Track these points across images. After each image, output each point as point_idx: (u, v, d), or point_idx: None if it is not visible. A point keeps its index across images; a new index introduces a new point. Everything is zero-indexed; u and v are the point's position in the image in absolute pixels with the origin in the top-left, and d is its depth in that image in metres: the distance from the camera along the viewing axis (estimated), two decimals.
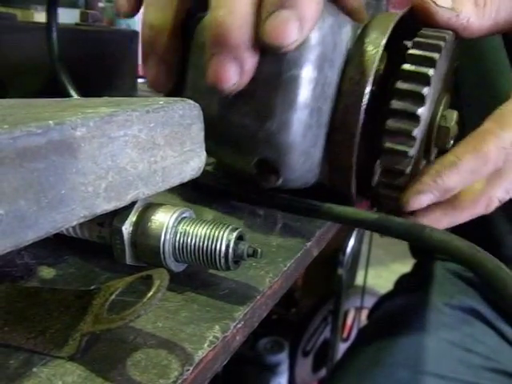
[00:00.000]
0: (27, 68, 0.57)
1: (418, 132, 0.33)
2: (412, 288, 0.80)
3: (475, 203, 0.37)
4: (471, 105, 0.41)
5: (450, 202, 0.37)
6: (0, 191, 0.18)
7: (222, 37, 0.29)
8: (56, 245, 0.29)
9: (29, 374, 0.20)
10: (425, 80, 0.32)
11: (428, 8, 0.35)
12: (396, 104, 0.33)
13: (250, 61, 0.30)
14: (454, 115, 0.38)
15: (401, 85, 0.33)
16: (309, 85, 0.31)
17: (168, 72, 0.35)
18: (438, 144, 0.38)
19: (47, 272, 0.27)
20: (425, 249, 0.29)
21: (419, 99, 0.32)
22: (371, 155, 0.36)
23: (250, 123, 0.32)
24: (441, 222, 0.37)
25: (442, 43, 0.33)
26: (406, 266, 0.93)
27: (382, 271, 1.94)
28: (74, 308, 0.22)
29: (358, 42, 0.34)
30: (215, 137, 0.34)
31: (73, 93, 0.50)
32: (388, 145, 0.33)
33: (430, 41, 0.33)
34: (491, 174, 0.36)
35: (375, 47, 0.33)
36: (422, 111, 0.32)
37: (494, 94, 0.63)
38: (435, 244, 0.28)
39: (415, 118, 0.32)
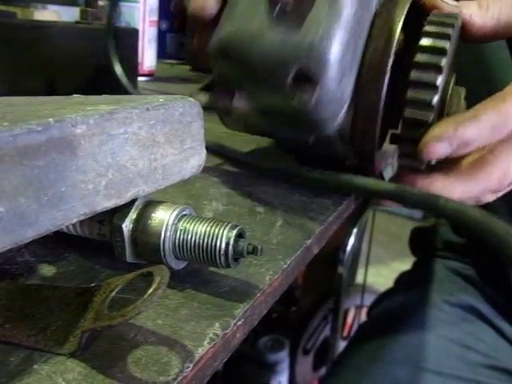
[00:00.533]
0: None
1: (444, 62, 0.35)
2: (411, 286, 0.80)
3: (490, 174, 0.38)
4: (473, 101, 0.41)
5: (465, 169, 0.38)
6: (0, 189, 0.18)
7: None
8: (56, 242, 0.29)
9: (29, 371, 0.20)
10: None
11: (435, 3, 0.38)
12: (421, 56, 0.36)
13: None
14: (463, 90, 0.40)
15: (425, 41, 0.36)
16: (351, 5, 0.34)
17: None
18: (450, 112, 0.39)
19: (47, 270, 0.27)
20: (439, 217, 0.30)
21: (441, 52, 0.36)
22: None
23: (294, 33, 0.34)
24: (455, 189, 0.38)
25: (454, 20, 0.37)
26: (406, 264, 0.93)
27: (382, 269, 1.94)
28: (75, 305, 0.23)
29: (385, 3, 0.37)
30: (250, 60, 0.35)
31: (130, 89, 0.53)
32: (415, 75, 0.36)
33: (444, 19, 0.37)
34: (509, 144, 0.37)
35: (402, 5, 0.37)
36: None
37: (495, 91, 0.63)
38: (450, 213, 0.29)
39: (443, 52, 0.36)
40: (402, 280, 0.88)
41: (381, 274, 1.72)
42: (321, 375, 1.45)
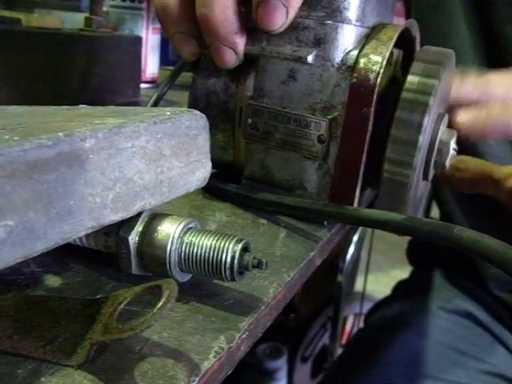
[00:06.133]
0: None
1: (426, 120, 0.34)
2: (409, 293, 0.81)
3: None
4: None
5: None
6: (10, 203, 0.18)
7: None
8: (62, 253, 0.29)
9: None
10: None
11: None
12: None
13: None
14: (453, 135, 0.39)
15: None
16: None
17: (198, 41, 0.37)
18: (437, 163, 0.39)
19: (53, 280, 0.27)
20: (454, 247, 0.28)
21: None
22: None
23: None
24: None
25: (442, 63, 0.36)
26: (405, 272, 0.93)
27: (381, 277, 1.93)
28: (82, 317, 0.23)
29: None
30: None
31: None
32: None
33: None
34: None
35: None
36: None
37: None
38: (465, 244, 0.27)
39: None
40: (400, 288, 0.88)
41: (380, 282, 1.71)
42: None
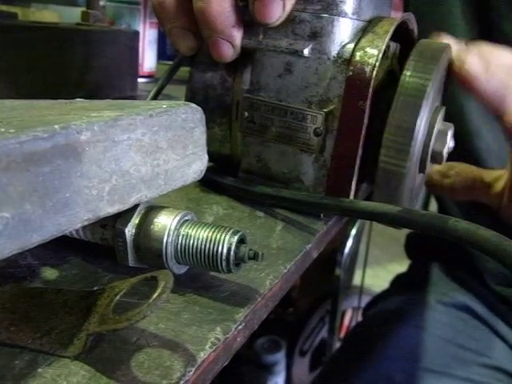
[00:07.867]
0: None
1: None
2: (407, 287, 0.81)
3: None
4: None
5: None
6: (6, 195, 0.19)
7: None
8: (59, 246, 0.29)
9: (34, 375, 0.20)
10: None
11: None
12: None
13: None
14: (450, 128, 0.39)
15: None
16: None
17: (195, 36, 0.37)
18: (434, 153, 0.39)
19: (50, 273, 0.27)
20: (449, 239, 0.28)
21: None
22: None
23: None
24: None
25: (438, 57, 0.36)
26: (403, 266, 0.94)
27: (379, 271, 1.94)
28: (79, 308, 0.23)
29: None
30: None
31: None
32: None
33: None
34: None
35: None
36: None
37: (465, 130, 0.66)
38: (460, 235, 0.27)
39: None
40: (398, 282, 0.88)
41: (378, 276, 1.72)
42: None
